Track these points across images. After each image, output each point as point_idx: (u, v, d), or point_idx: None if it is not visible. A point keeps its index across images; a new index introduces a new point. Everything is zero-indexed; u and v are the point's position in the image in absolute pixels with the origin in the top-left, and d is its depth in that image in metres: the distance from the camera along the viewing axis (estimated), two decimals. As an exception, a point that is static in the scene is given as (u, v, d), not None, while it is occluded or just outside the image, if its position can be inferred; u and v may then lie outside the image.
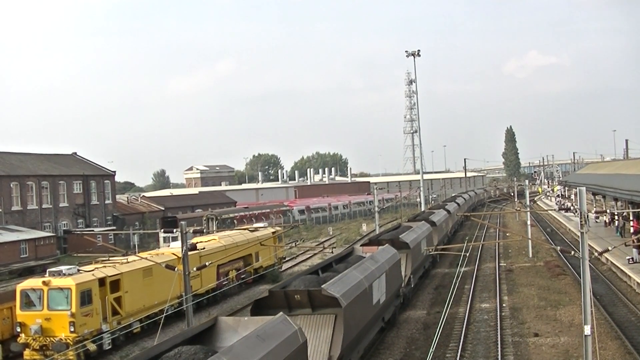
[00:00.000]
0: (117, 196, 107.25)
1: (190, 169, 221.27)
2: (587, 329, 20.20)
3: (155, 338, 30.82)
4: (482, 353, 31.26)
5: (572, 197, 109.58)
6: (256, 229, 57.22)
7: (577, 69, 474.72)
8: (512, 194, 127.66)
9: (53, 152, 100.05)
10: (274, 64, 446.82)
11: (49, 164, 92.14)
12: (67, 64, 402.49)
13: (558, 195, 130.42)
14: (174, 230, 44.36)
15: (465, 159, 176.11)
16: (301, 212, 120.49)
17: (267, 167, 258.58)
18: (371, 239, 44.56)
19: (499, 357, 29.79)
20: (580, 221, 20.19)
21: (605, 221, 75.76)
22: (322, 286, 23.75)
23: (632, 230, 55.64)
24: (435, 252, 52.47)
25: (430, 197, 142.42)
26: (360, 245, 40.17)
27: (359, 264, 30.19)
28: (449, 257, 60.24)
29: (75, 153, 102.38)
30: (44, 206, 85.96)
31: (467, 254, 47.79)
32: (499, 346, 31.44)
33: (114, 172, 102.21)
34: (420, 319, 38.44)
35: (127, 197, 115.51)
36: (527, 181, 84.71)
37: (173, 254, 41.07)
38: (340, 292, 23.97)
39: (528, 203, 71.97)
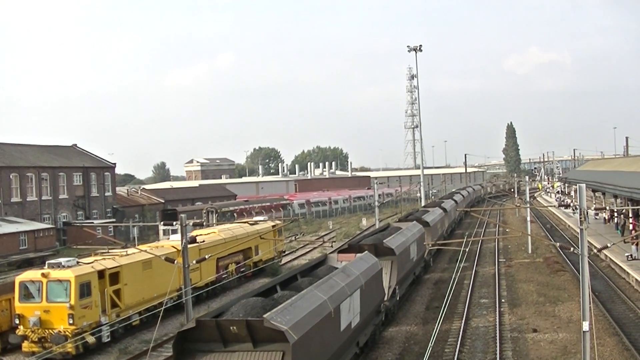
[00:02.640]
0: (117, 188, 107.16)
1: (191, 161, 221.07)
2: (585, 325, 20.23)
3: (154, 331, 30.87)
4: (481, 348, 31.32)
5: (572, 193, 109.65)
6: (256, 223, 57.22)
7: (577, 66, 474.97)
8: (512, 190, 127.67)
9: (53, 143, 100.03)
10: (274, 58, 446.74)
11: (49, 156, 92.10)
12: (66, 56, 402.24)
13: (558, 192, 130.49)
14: (174, 222, 44.25)
15: (465, 155, 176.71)
16: (301, 205, 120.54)
17: (267, 160, 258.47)
18: (351, 243, 38.43)
19: (498, 352, 29.84)
20: (580, 218, 20.20)
21: (604, 218, 75.86)
22: (265, 315, 18.53)
23: (631, 227, 55.70)
24: (429, 256, 51.18)
25: (431, 192, 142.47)
26: (337, 252, 34.06)
27: (323, 281, 24.73)
28: (445, 257, 60.24)
29: (76, 145, 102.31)
30: (43, 198, 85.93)
31: (467, 249, 47.37)
32: (498, 342, 31.51)
33: (114, 164, 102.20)
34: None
35: (127, 190, 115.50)
36: (527, 177, 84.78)
37: (173, 246, 41.07)
38: (289, 322, 18.89)
39: (528, 199, 71.99)
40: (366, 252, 33.22)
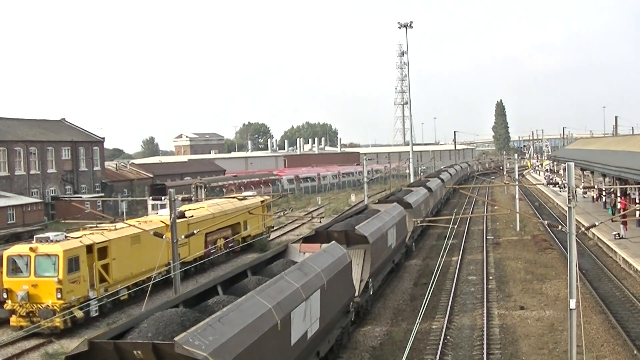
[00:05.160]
0: (106, 163, 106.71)
1: (180, 136, 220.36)
2: (572, 303, 20.30)
3: (142, 305, 30.85)
4: (468, 325, 31.47)
5: (561, 172, 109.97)
6: (245, 198, 57.19)
7: (567, 45, 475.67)
8: (501, 168, 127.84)
9: (41, 117, 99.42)
10: (263, 33, 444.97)
11: (37, 130, 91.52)
12: (55, 27, 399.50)
13: (547, 170, 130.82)
14: (163, 197, 44.21)
15: (455, 132, 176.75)
16: (290, 181, 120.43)
17: (256, 135, 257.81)
18: (318, 230, 32.94)
19: (485, 329, 29.99)
20: (568, 196, 20.22)
21: (593, 197, 76.11)
22: (178, 338, 14.15)
23: (619, 206, 55.94)
24: (411, 240, 49.47)
25: (420, 169, 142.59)
26: (300, 242, 29.48)
27: (270, 283, 20.13)
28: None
29: (64, 119, 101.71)
30: (31, 172, 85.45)
31: (455, 227, 47.05)
32: (485, 319, 31.67)
33: (103, 138, 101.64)
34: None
35: (116, 164, 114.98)
36: (516, 155, 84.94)
37: (161, 221, 41.08)
38: (212, 345, 14.55)
39: (517, 177, 72.13)
40: (333, 242, 28.78)
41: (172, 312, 16.69)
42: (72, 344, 31.17)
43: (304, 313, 21.02)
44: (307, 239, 30.49)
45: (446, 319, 32.01)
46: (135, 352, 14.26)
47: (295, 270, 22.37)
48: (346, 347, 28.75)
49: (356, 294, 29.98)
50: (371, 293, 33.74)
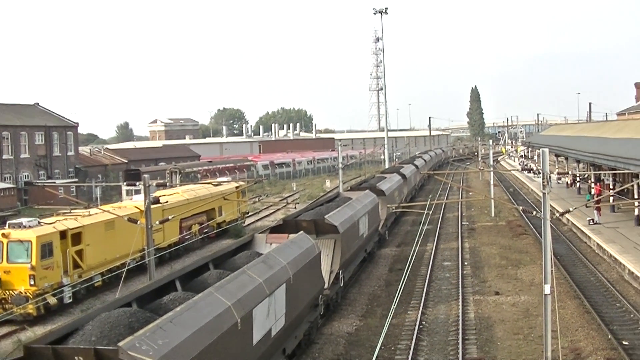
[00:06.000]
0: (80, 148, 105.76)
1: (155, 121, 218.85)
2: (547, 288, 20.38)
3: (117, 292, 30.65)
4: (444, 311, 31.56)
5: (535, 158, 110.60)
6: (220, 184, 56.94)
7: (543, 31, 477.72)
8: (475, 154, 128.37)
9: (14, 102, 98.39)
10: (240, 16, 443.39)
11: (10, 114, 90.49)
12: (27, 10, 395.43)
13: (521, 156, 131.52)
14: (137, 183, 43.77)
15: (430, 118, 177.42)
16: (265, 167, 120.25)
17: (231, 121, 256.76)
18: (286, 220, 32.02)
19: (460, 315, 30.09)
20: (543, 182, 20.27)
21: (567, 182, 76.63)
22: (122, 343, 12.96)
23: (593, 192, 56.32)
24: (384, 229, 48.34)
25: (395, 154, 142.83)
26: (267, 232, 28.49)
27: (231, 278, 18.79)
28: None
29: (38, 103, 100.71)
30: (4, 157, 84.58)
31: (430, 212, 46.87)
32: (460, 304, 31.78)
33: (77, 123, 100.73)
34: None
35: (90, 149, 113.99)
36: (491, 141, 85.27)
37: (136, 207, 40.79)
38: (161, 350, 13.42)
39: (492, 163, 72.40)
40: (301, 232, 27.52)
41: (119, 312, 15.48)
42: (45, 331, 30.86)
43: (268, 310, 19.82)
44: (274, 229, 29.45)
45: (421, 304, 32.10)
46: (76, 357, 13.24)
47: (259, 263, 21.01)
48: (321, 332, 28.71)
49: (325, 286, 28.82)
50: (342, 285, 32.78)
